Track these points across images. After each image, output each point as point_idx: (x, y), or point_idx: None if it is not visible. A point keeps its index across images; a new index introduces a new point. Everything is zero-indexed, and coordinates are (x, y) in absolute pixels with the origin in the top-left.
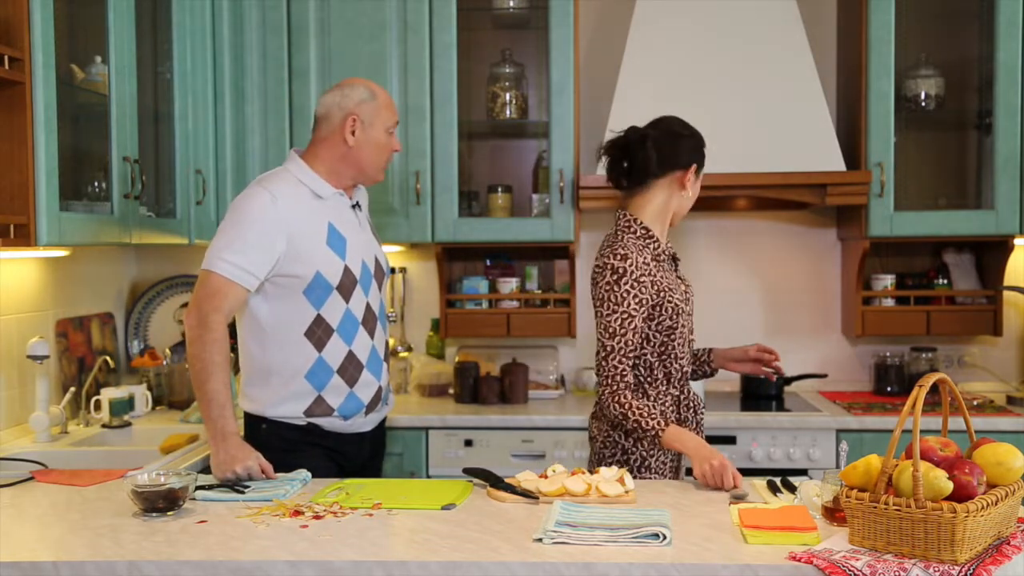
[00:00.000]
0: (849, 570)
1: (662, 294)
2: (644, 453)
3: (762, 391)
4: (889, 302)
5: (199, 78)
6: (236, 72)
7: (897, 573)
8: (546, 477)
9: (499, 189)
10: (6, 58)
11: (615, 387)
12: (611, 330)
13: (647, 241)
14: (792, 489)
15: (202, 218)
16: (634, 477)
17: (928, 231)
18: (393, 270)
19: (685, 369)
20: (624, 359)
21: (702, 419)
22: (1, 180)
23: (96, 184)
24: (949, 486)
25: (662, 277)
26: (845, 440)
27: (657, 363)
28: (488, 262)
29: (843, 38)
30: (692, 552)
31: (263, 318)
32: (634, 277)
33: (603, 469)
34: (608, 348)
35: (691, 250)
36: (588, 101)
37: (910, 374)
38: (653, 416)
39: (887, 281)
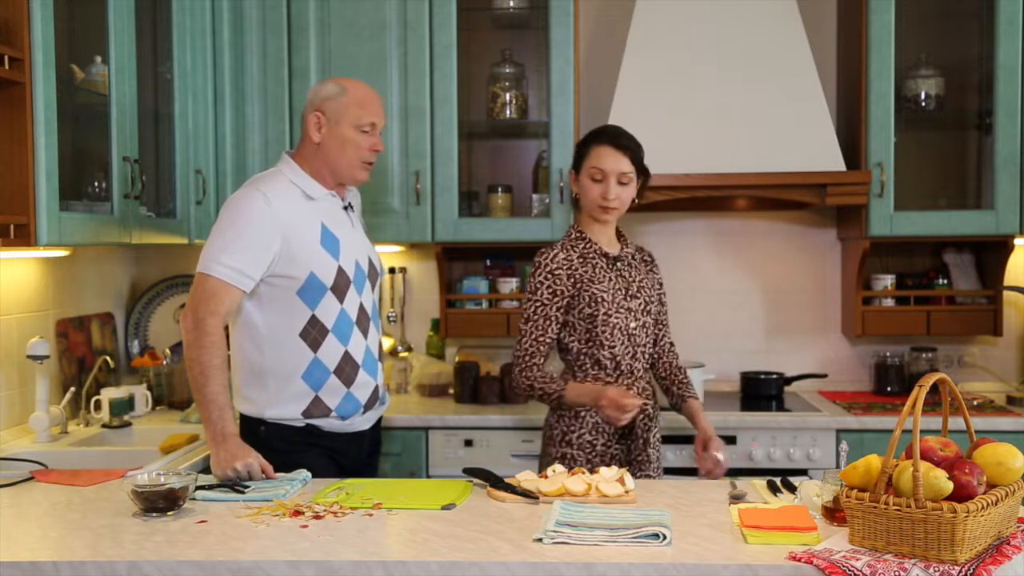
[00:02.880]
0: (849, 570)
1: (579, 285)
2: (565, 428)
3: (762, 391)
4: (889, 302)
5: (199, 78)
6: (236, 72)
7: (897, 573)
8: (546, 477)
9: (499, 189)
10: (6, 58)
11: (523, 365)
12: (525, 316)
13: (577, 242)
14: (792, 489)
15: (202, 218)
16: (556, 451)
17: (928, 231)
18: (392, 270)
19: (620, 359)
20: (534, 342)
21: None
22: (1, 180)
23: (96, 184)
24: (949, 486)
25: (585, 272)
26: (845, 440)
27: (584, 349)
28: (488, 262)
29: (843, 38)
30: (692, 552)
31: (258, 320)
32: (548, 270)
33: (603, 469)
34: (521, 332)
35: (691, 250)
36: (588, 101)
37: (910, 374)
38: (554, 382)
39: (887, 281)
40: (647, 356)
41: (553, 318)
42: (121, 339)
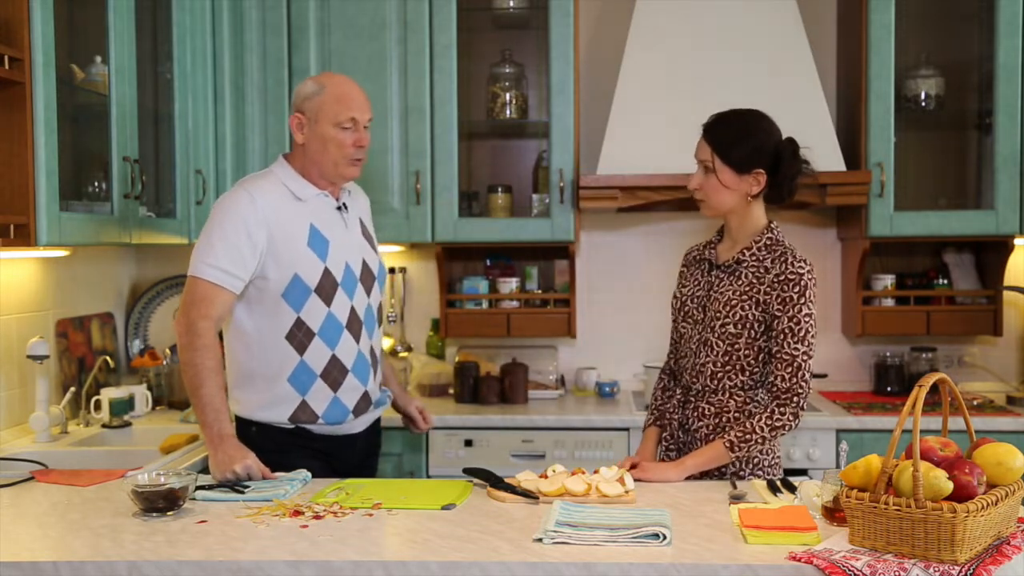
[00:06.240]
0: (849, 570)
1: (679, 285)
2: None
3: None
4: (889, 302)
5: (199, 78)
6: (236, 72)
7: (897, 573)
8: (546, 477)
9: (499, 189)
10: (6, 58)
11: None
12: None
13: (711, 241)
14: (792, 489)
15: (202, 218)
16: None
17: (928, 231)
18: (392, 270)
19: (682, 373)
20: (671, 347)
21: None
22: (1, 180)
23: (96, 184)
24: (949, 486)
25: (686, 276)
26: (845, 440)
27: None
28: (488, 262)
29: (843, 38)
30: (692, 552)
31: (245, 321)
32: (680, 267)
33: (603, 469)
34: None
35: None
36: (588, 101)
37: (910, 374)
38: (654, 409)
39: (887, 281)
40: (718, 378)
41: (674, 320)
42: (121, 339)
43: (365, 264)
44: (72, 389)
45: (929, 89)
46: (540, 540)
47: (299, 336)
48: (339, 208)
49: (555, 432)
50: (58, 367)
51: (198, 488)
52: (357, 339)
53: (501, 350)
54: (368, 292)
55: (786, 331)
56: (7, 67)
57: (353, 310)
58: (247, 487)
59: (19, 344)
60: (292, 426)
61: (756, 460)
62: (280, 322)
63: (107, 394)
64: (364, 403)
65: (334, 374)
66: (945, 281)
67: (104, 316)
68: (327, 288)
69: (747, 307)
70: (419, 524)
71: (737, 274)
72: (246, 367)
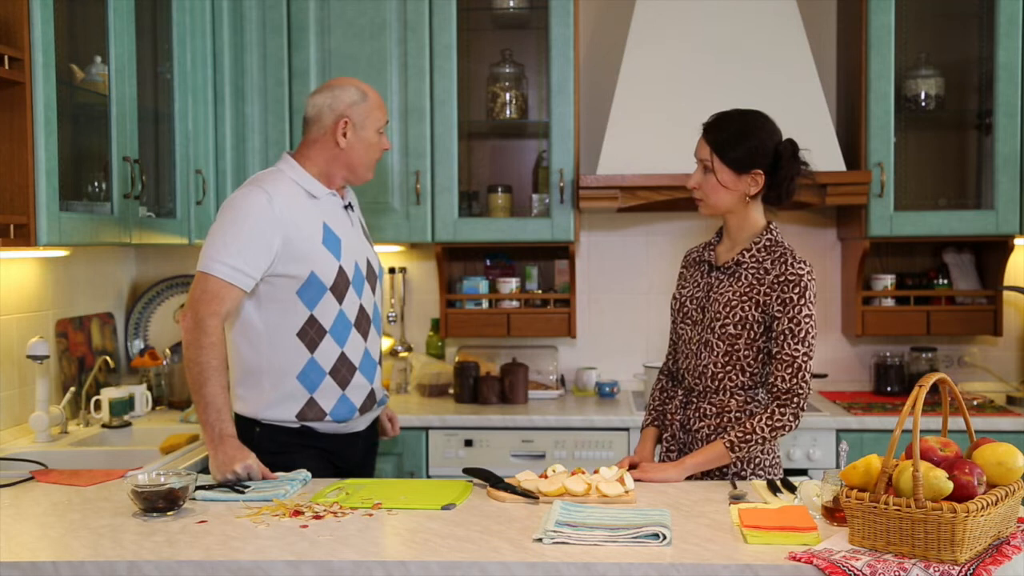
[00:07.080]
0: (849, 570)
1: (679, 286)
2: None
3: None
4: (889, 302)
5: (199, 78)
6: (236, 72)
7: (897, 573)
8: (546, 477)
9: (499, 189)
10: (6, 58)
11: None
12: None
13: (711, 241)
14: (792, 489)
15: (202, 218)
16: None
17: (928, 231)
18: (392, 270)
19: (684, 373)
20: (669, 348)
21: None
22: (1, 180)
23: (96, 184)
24: (949, 486)
25: (686, 277)
26: (845, 440)
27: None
28: (488, 262)
29: (843, 38)
30: (692, 552)
31: (256, 318)
32: (680, 267)
33: (603, 469)
34: None
35: None
36: (588, 101)
37: (910, 374)
38: (651, 410)
39: (887, 281)
40: (719, 379)
41: (673, 321)
42: (121, 339)
43: (369, 263)
44: (72, 389)
45: (929, 89)
46: (540, 540)
47: (311, 333)
48: (346, 207)
49: (555, 432)
50: (58, 367)
51: (198, 488)
52: (365, 337)
53: (501, 350)
54: (373, 291)
55: (786, 332)
56: (7, 67)
57: (362, 308)
58: (247, 487)
59: (19, 344)
60: (298, 424)
61: (757, 460)
62: (293, 319)
63: (107, 394)
64: (370, 401)
65: (343, 372)
66: (945, 281)
67: (104, 316)
68: (341, 286)
69: (747, 308)
70: (419, 524)
71: (737, 275)
72: (252, 364)
